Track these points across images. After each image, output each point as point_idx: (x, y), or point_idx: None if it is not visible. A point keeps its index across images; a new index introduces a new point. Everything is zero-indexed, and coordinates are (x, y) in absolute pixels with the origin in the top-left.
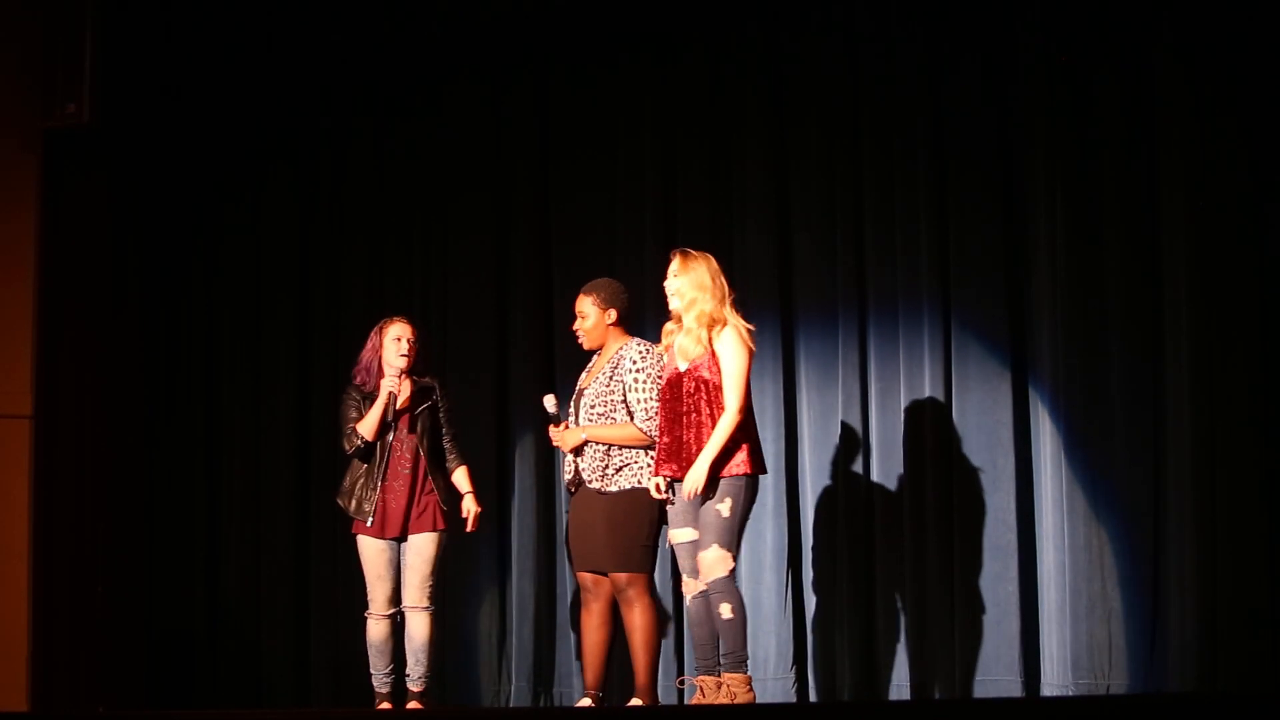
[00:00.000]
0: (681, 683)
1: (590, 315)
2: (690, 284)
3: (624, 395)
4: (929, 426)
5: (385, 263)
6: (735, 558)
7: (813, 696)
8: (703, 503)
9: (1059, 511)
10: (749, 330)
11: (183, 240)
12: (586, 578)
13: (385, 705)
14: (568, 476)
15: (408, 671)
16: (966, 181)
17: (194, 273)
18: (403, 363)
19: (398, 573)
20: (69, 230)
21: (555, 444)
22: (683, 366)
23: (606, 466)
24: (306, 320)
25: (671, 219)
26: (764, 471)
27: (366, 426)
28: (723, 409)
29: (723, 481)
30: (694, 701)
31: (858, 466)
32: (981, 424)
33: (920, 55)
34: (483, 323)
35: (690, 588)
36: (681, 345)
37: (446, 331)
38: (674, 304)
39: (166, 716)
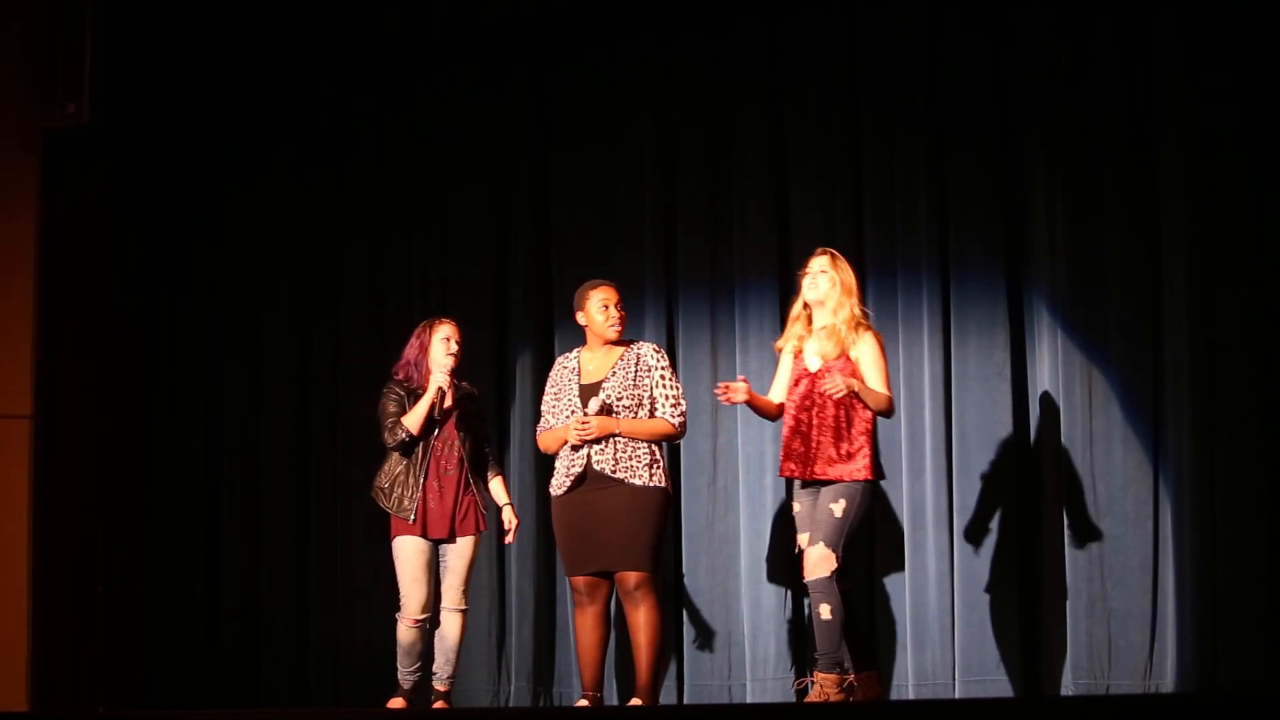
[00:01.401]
0: (802, 684)
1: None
2: (840, 287)
3: (651, 391)
4: (929, 429)
5: (385, 260)
6: (840, 559)
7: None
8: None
9: (1059, 512)
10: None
11: (183, 240)
12: (580, 582)
13: (399, 701)
14: (577, 470)
15: (435, 671)
16: (966, 178)
17: (194, 272)
18: (451, 362)
19: (435, 576)
20: (69, 230)
21: (577, 432)
22: (814, 367)
23: (633, 459)
24: (306, 320)
25: (671, 209)
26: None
27: (413, 420)
28: (854, 409)
29: (842, 483)
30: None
31: None
32: (981, 426)
33: (920, 50)
34: (483, 320)
35: None
36: (820, 347)
37: None
38: (813, 299)
39: (166, 716)
